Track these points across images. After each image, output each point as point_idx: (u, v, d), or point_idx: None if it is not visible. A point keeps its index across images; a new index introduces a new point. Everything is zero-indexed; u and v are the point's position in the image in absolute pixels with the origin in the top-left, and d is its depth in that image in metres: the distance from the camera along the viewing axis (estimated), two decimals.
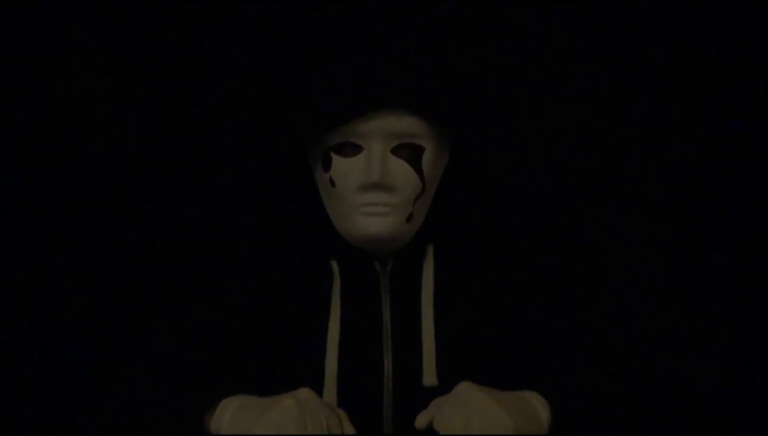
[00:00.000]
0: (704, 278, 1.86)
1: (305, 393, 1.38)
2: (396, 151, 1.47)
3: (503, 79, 1.86)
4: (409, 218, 1.49)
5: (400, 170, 1.47)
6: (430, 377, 1.48)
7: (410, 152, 1.48)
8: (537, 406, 1.44)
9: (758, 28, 1.85)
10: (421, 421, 1.37)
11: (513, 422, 1.35)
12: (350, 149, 1.48)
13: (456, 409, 1.35)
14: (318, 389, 1.47)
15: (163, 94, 1.85)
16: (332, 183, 1.49)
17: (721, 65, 1.86)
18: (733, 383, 1.85)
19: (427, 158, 1.50)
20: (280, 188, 1.80)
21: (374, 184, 1.45)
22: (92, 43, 1.84)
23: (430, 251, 1.55)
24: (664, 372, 1.83)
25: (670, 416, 1.82)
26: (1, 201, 1.84)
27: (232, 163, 1.86)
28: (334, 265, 1.53)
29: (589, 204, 1.86)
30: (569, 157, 1.86)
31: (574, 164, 1.86)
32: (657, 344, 1.85)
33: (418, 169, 1.48)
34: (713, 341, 1.86)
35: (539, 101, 1.86)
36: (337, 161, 1.48)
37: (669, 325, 1.85)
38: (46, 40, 1.84)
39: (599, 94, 1.86)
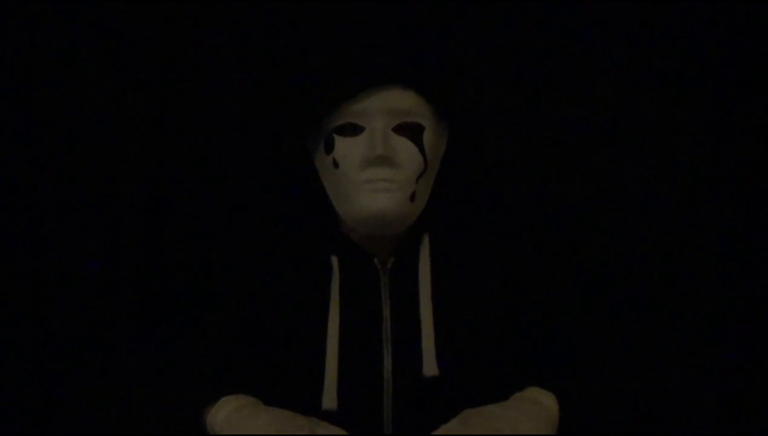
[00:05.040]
0: (708, 273, 1.86)
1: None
2: (397, 129, 1.48)
3: (502, 62, 1.85)
4: (413, 197, 1.49)
5: (403, 146, 1.48)
6: (430, 367, 1.48)
7: (411, 131, 1.49)
8: (546, 402, 1.46)
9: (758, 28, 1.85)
10: None
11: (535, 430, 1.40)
12: (352, 129, 1.48)
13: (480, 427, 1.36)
14: (318, 383, 1.47)
15: (160, 85, 1.84)
16: (335, 164, 1.49)
17: (722, 64, 1.86)
18: (736, 380, 1.85)
19: (427, 138, 1.50)
20: (280, 183, 1.80)
21: (378, 157, 1.45)
22: (90, 38, 1.84)
23: (426, 240, 1.55)
24: (666, 365, 1.83)
25: (672, 411, 1.82)
26: (1, 201, 1.84)
27: (231, 156, 1.85)
28: (334, 260, 1.54)
29: (589, 192, 1.85)
30: (569, 144, 1.85)
31: (574, 152, 1.85)
32: (658, 335, 1.85)
33: (420, 146, 1.49)
34: (716, 338, 1.85)
35: (539, 86, 1.85)
36: (340, 142, 1.49)
37: (672, 317, 1.85)
38: (46, 39, 1.84)
39: (600, 80, 1.85)
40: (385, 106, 1.47)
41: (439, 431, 1.38)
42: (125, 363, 1.74)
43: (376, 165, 1.46)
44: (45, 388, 1.83)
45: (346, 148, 1.48)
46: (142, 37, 1.84)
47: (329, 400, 1.47)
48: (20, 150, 1.84)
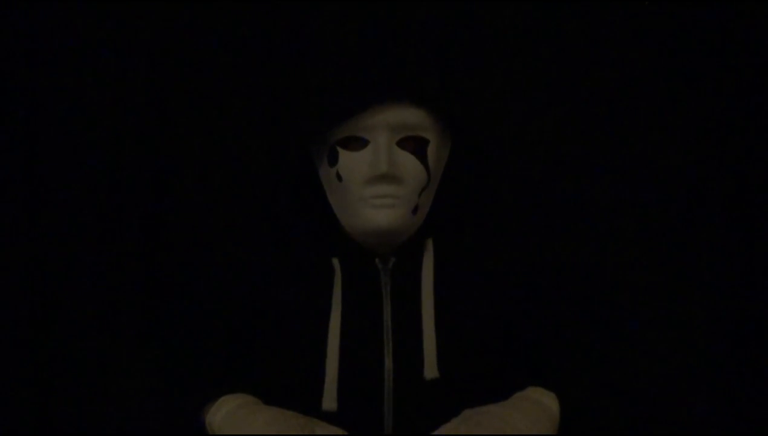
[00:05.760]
0: (708, 273, 1.86)
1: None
2: (401, 144, 1.49)
3: (505, 74, 1.86)
4: (415, 210, 1.50)
5: (407, 162, 1.48)
6: (431, 370, 1.49)
7: (415, 145, 1.49)
8: (547, 403, 1.46)
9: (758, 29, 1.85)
10: None
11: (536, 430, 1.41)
12: (356, 143, 1.49)
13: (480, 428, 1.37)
14: (319, 384, 1.48)
15: (166, 91, 1.85)
16: (339, 177, 1.50)
17: (721, 65, 1.86)
18: (734, 380, 1.85)
19: (431, 151, 1.51)
20: (282, 186, 1.81)
21: (382, 175, 1.46)
22: (90, 38, 1.84)
23: (430, 244, 1.55)
24: (667, 365, 1.84)
25: (672, 411, 1.82)
26: (1, 201, 1.84)
27: (235, 160, 1.86)
28: (336, 262, 1.54)
29: (591, 196, 1.86)
30: (570, 152, 1.86)
31: (575, 160, 1.86)
32: (658, 335, 1.85)
33: (423, 161, 1.50)
34: (716, 338, 1.86)
35: (541, 96, 1.86)
36: (344, 155, 1.49)
37: (673, 317, 1.86)
38: (47, 38, 1.84)
39: (602, 89, 1.86)
40: (390, 121, 1.47)
41: (439, 431, 1.38)
42: (125, 363, 1.74)
43: (379, 182, 1.47)
44: (46, 387, 1.83)
45: (350, 162, 1.48)
46: (152, 47, 1.84)
47: (329, 401, 1.47)
48: (20, 151, 1.84)
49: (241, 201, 1.85)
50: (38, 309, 1.84)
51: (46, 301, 1.85)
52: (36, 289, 1.84)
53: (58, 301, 1.84)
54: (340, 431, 1.39)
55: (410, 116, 1.48)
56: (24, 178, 1.84)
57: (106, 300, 1.84)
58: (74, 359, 1.83)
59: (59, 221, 1.84)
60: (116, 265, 1.83)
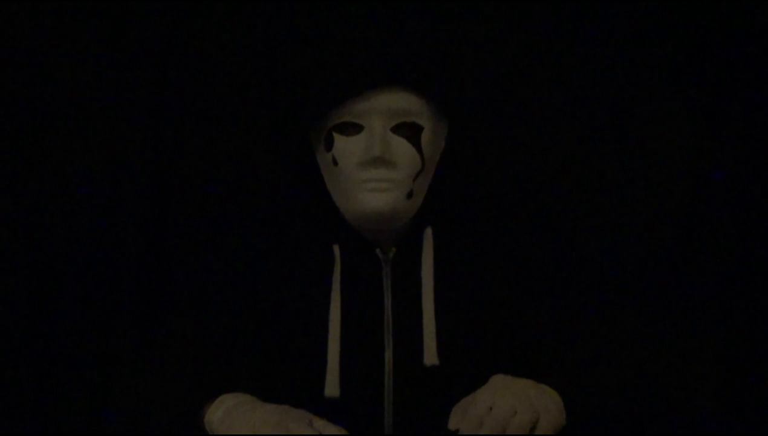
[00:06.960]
0: (709, 272, 1.87)
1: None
2: (396, 129, 1.50)
3: (502, 61, 1.88)
4: (410, 196, 1.51)
5: (401, 147, 1.50)
6: (430, 356, 1.49)
7: (410, 131, 1.51)
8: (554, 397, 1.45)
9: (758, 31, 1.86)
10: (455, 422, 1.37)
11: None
12: (352, 128, 1.50)
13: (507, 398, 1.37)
14: (320, 371, 1.49)
15: (164, 82, 1.86)
16: (334, 162, 1.51)
17: (720, 66, 1.87)
18: (736, 378, 1.86)
19: (425, 137, 1.52)
20: (282, 172, 1.82)
21: (375, 158, 1.47)
22: (89, 36, 1.85)
23: (429, 233, 1.56)
24: (667, 363, 1.84)
25: (673, 410, 1.81)
26: (1, 200, 1.84)
27: (234, 147, 1.87)
28: (336, 249, 1.55)
29: (591, 187, 1.87)
30: (567, 141, 1.87)
31: (573, 149, 1.87)
32: (659, 333, 1.85)
33: (417, 147, 1.51)
34: (717, 337, 1.86)
35: (538, 84, 1.87)
36: (339, 140, 1.51)
37: (673, 316, 1.86)
38: (47, 38, 1.85)
39: (599, 78, 1.87)
40: (385, 107, 1.49)
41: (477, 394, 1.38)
42: (124, 361, 1.74)
43: (373, 166, 1.48)
44: (45, 386, 1.83)
45: (345, 147, 1.50)
46: (151, 31, 1.85)
47: (332, 387, 1.48)
48: (20, 149, 1.84)
49: (242, 189, 1.86)
50: (39, 309, 1.85)
51: (48, 300, 1.85)
52: (37, 288, 1.85)
53: (59, 300, 1.85)
54: (339, 430, 1.38)
55: (405, 102, 1.49)
56: (26, 178, 1.85)
57: (104, 295, 1.84)
58: (74, 359, 1.83)
59: (60, 219, 1.85)
60: (116, 257, 1.84)
